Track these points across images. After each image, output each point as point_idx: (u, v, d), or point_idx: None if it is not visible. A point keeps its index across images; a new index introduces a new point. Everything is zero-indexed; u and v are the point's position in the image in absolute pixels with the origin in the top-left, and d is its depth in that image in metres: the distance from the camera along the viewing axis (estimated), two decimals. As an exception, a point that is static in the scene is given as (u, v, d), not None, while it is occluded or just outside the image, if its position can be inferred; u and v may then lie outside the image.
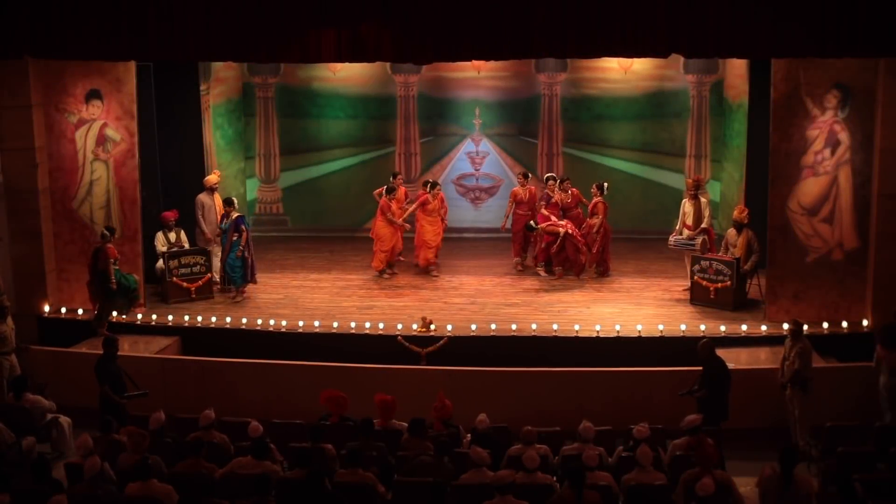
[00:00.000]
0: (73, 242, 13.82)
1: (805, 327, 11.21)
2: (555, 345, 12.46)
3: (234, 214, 14.18)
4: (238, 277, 14.22)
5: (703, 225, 14.09)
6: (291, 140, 18.08)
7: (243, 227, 14.15)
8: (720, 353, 11.00)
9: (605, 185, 15.10)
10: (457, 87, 17.65)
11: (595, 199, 14.90)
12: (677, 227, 14.52)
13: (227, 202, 14.32)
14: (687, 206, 14.33)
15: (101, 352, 11.00)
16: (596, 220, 14.81)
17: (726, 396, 10.52)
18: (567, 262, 14.92)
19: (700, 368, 10.68)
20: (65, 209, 13.78)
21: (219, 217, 14.76)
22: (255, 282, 14.47)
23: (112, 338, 11.04)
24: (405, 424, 9.70)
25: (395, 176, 15.70)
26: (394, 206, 15.16)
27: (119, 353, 11.03)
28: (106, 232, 13.36)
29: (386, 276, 15.13)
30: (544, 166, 17.63)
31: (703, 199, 14.30)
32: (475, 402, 10.34)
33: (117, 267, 13.35)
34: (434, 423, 9.79)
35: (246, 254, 14.17)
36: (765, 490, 8.00)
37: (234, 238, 14.05)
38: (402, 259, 15.75)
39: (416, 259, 15.58)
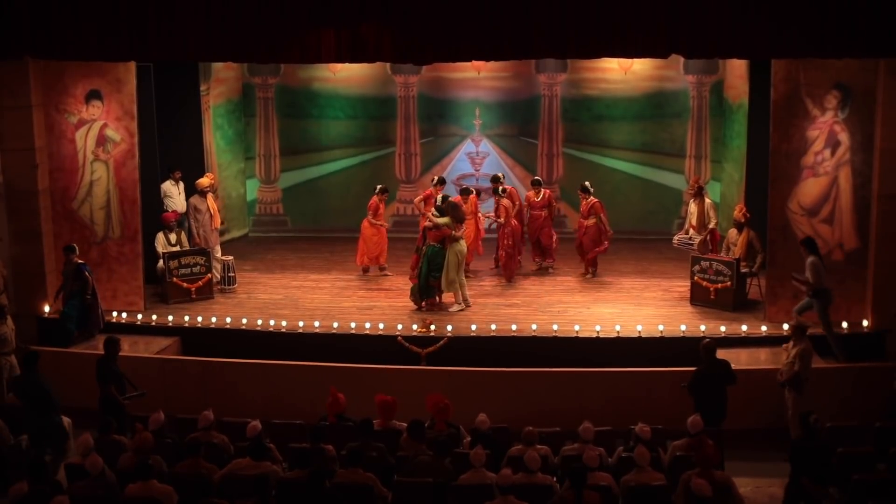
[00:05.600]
0: (73, 243, 13.78)
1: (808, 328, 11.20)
2: (555, 345, 12.46)
3: (77, 260, 12.95)
4: (73, 326, 12.86)
5: (711, 227, 14.13)
6: (291, 140, 18.08)
7: (86, 274, 12.90)
8: (720, 353, 10.98)
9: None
10: (457, 87, 17.66)
11: (590, 199, 14.87)
12: (685, 227, 14.61)
13: (69, 249, 13.00)
14: (692, 206, 14.49)
15: (102, 352, 11.00)
16: (591, 221, 14.80)
17: (725, 397, 10.50)
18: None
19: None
20: (65, 210, 13.77)
21: (213, 221, 14.79)
22: (99, 329, 12.97)
23: (113, 338, 11.03)
24: (405, 425, 9.69)
25: (497, 179, 15.36)
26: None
27: (119, 353, 11.02)
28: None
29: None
30: (544, 167, 17.64)
31: (707, 201, 14.37)
32: (475, 403, 10.33)
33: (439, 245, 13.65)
34: (437, 422, 9.79)
35: (93, 301, 12.97)
36: None
37: (77, 288, 12.85)
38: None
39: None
